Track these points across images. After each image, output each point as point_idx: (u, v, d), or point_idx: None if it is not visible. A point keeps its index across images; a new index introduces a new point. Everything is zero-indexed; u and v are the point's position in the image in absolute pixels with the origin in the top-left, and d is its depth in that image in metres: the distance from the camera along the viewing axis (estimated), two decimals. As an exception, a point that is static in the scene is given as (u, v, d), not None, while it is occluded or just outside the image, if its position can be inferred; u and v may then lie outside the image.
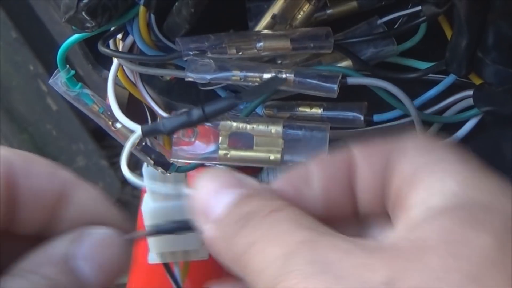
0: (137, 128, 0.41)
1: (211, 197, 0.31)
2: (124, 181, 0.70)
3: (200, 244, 0.47)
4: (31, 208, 0.32)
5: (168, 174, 0.44)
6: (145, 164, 0.47)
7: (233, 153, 0.39)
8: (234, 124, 0.39)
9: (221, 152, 0.39)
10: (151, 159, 0.43)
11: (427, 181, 0.28)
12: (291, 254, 0.27)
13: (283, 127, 0.39)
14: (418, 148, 0.30)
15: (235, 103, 0.39)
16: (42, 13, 1.20)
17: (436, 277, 0.26)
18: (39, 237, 0.32)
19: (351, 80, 0.40)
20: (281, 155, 0.38)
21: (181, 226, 0.35)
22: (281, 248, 0.28)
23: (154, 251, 0.47)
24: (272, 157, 0.39)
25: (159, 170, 0.43)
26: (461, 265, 0.26)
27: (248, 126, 0.39)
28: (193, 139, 0.39)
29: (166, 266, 0.49)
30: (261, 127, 0.39)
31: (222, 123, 0.39)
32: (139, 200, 0.63)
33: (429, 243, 0.27)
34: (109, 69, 0.44)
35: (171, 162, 0.43)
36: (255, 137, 0.39)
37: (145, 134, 0.39)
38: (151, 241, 0.47)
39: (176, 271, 0.49)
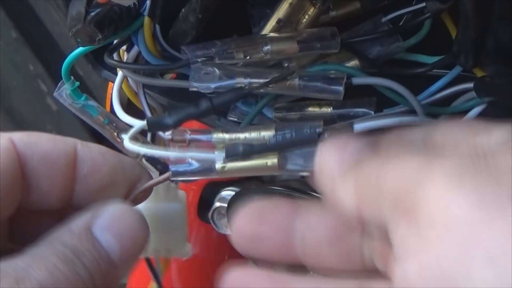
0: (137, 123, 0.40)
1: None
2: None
3: (183, 243, 0.46)
4: (45, 173, 0.34)
5: (174, 184, 0.44)
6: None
7: (230, 165, 0.38)
8: (227, 136, 0.38)
9: (218, 166, 0.37)
10: (157, 169, 0.43)
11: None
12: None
13: (275, 130, 0.37)
14: None
15: (243, 94, 0.39)
16: (42, 13, 1.20)
17: None
18: (62, 212, 0.35)
19: (357, 81, 0.39)
20: (277, 159, 0.37)
21: None
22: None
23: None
24: (269, 162, 0.37)
25: (165, 180, 0.43)
26: None
27: (241, 136, 0.38)
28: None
29: (148, 260, 0.52)
30: (254, 134, 0.38)
31: (214, 136, 0.38)
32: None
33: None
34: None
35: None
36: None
37: (150, 126, 0.38)
38: None
39: (157, 266, 0.51)
